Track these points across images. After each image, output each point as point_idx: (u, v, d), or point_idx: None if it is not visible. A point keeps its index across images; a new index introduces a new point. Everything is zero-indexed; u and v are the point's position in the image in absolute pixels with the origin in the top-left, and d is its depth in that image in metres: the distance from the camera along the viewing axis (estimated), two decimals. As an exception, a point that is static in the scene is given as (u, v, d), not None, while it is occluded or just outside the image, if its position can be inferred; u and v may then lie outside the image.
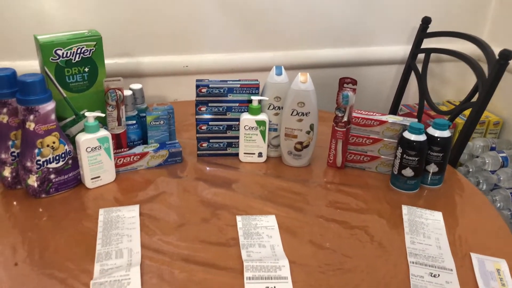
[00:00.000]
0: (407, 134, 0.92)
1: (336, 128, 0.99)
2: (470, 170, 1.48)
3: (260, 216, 0.85)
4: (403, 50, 1.48)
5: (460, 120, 1.48)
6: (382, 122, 0.97)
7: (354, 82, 0.96)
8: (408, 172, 0.93)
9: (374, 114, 0.99)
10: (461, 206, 0.93)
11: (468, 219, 0.89)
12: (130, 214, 0.85)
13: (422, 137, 0.91)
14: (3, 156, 0.87)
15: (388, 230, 0.84)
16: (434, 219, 0.86)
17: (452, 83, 1.66)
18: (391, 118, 0.97)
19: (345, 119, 0.98)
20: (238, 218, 0.84)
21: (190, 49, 1.33)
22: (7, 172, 0.88)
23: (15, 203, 0.88)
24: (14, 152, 0.88)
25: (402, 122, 0.96)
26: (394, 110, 1.47)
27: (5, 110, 0.84)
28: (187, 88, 1.26)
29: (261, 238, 0.80)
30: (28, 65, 1.17)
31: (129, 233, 0.80)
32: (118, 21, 1.24)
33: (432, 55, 1.33)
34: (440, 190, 0.97)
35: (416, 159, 0.91)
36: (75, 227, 0.82)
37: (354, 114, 0.98)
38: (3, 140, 0.86)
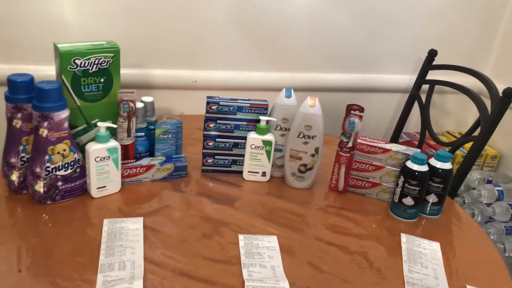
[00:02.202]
0: (410, 164, 0.94)
1: (340, 153, 1.02)
2: (466, 201, 1.50)
3: (262, 236, 0.87)
4: (408, 79, 1.51)
5: (459, 152, 1.51)
6: (386, 150, 0.99)
7: (361, 109, 0.98)
8: (408, 201, 0.95)
9: (379, 141, 1.02)
10: (458, 237, 0.95)
11: (465, 251, 0.90)
12: (134, 226, 0.86)
13: (424, 168, 0.93)
14: (12, 160, 0.88)
15: (387, 257, 0.85)
16: (431, 249, 0.88)
17: (452, 114, 1.69)
18: (395, 147, 0.99)
19: (350, 144, 1.00)
20: (240, 236, 0.86)
21: (200, 64, 1.36)
22: (14, 176, 0.89)
23: (19, 208, 0.89)
24: (24, 157, 0.89)
25: (405, 151, 0.98)
26: (395, 137, 1.50)
27: (19, 115, 0.86)
28: (194, 102, 1.28)
29: (262, 259, 0.81)
30: (45, 70, 1.19)
31: (132, 245, 0.81)
32: (132, 33, 1.27)
33: (435, 86, 1.36)
34: (438, 221, 0.99)
35: (417, 188, 0.93)
36: (79, 235, 0.82)
37: (359, 141, 1.01)
38: (14, 145, 0.88)
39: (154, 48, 1.31)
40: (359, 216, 0.97)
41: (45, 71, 1.13)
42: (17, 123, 0.86)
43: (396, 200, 0.97)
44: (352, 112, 0.99)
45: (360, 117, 0.98)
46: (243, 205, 0.97)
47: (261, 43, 1.38)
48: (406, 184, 0.94)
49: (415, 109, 1.45)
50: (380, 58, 1.50)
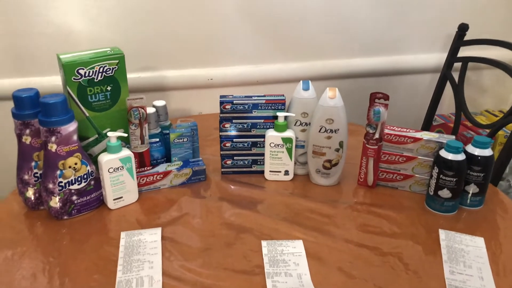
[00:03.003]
0: (443, 153, 0.85)
1: (367, 145, 0.94)
2: (512, 184, 1.39)
3: (287, 241, 0.81)
4: (437, 58, 1.41)
5: (501, 132, 1.39)
6: (416, 140, 0.91)
7: (386, 97, 0.90)
8: (445, 193, 0.87)
9: (408, 130, 0.94)
10: (505, 230, 0.86)
11: (513, 245, 0.82)
12: (152, 238, 0.82)
13: (460, 156, 0.84)
14: (26, 177, 0.86)
15: (424, 258, 0.78)
16: (475, 246, 0.80)
17: (490, 91, 1.57)
18: (426, 135, 0.91)
19: (377, 136, 0.92)
20: (264, 243, 0.81)
21: (214, 62, 1.30)
22: (30, 193, 0.88)
23: (37, 225, 0.87)
24: (37, 173, 0.87)
25: (438, 139, 0.90)
26: (428, 121, 1.40)
27: (28, 131, 0.84)
28: (211, 101, 1.23)
29: (288, 266, 0.75)
30: (53, 81, 1.18)
31: (150, 258, 0.77)
32: (142, 35, 1.23)
33: (469, 63, 1.25)
34: (481, 212, 0.90)
35: (454, 179, 0.85)
36: (97, 251, 0.80)
37: (386, 131, 0.93)
38: (26, 161, 0.86)
39: (166, 48, 1.26)
40: (391, 212, 0.90)
41: (56, 81, 1.11)
42: (27, 139, 0.84)
43: (432, 193, 0.89)
44: (377, 100, 0.91)
45: (386, 105, 0.90)
46: (266, 208, 0.92)
47: (277, 33, 1.31)
48: (441, 175, 0.86)
49: (448, 89, 1.34)
50: (404, 38, 1.39)
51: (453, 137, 0.90)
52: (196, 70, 1.30)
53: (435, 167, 0.87)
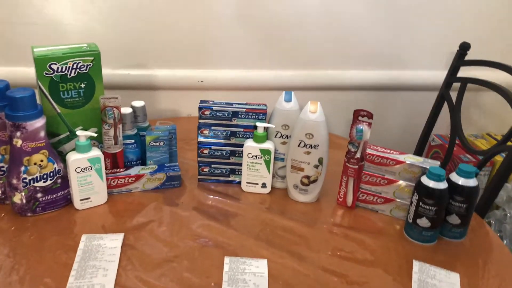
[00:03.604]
0: (425, 180, 0.81)
1: (347, 164, 0.90)
2: (508, 214, 1.33)
3: (251, 259, 0.77)
4: (438, 75, 1.35)
5: (499, 158, 1.33)
6: (399, 162, 0.87)
7: (370, 115, 0.86)
8: (424, 222, 0.82)
9: (392, 152, 0.89)
10: (484, 267, 0.81)
11: (491, 284, 0.76)
12: (112, 244, 0.79)
13: (442, 185, 0.80)
14: (-9, 170, 0.84)
15: (393, 290, 0.74)
16: (449, 282, 0.75)
17: (493, 113, 1.51)
18: (409, 159, 0.86)
19: (358, 155, 0.88)
20: (226, 259, 0.77)
21: (206, 64, 1.27)
22: (-5, 187, 0.86)
23: (0, 218, 0.84)
24: (3, 167, 0.84)
25: (422, 164, 0.85)
26: (423, 141, 1.35)
27: (-5, 124, 0.81)
28: (201, 104, 1.19)
29: (247, 287, 0.72)
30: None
31: (106, 266, 0.74)
32: (134, 32, 1.20)
33: (470, 84, 1.20)
34: (462, 245, 0.85)
35: (434, 208, 0.80)
36: (53, 253, 0.77)
37: (368, 151, 0.89)
38: (-8, 155, 0.84)
39: (158, 47, 1.24)
40: (367, 237, 0.85)
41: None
42: (-7, 132, 0.82)
43: (410, 220, 0.84)
44: (360, 118, 0.87)
45: (369, 124, 0.86)
46: (238, 222, 0.88)
47: (271, 39, 1.27)
48: (421, 203, 0.81)
49: (447, 109, 1.29)
50: (404, 53, 1.34)
51: (438, 163, 0.85)
52: (187, 71, 1.27)
53: (415, 194, 0.82)
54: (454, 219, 0.83)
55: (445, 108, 1.27)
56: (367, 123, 0.86)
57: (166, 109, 1.31)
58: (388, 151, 0.89)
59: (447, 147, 1.22)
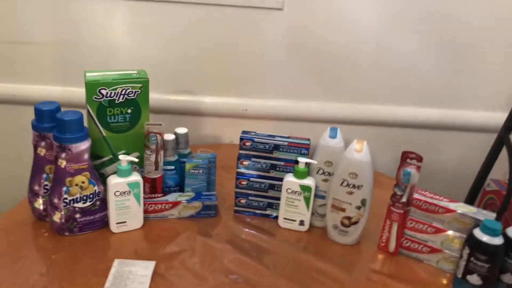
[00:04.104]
0: (478, 233, 0.74)
1: (392, 208, 0.85)
2: None
3: (281, 303, 0.74)
4: (495, 117, 1.27)
5: None
6: (449, 211, 0.80)
7: (419, 158, 0.81)
8: (475, 279, 0.75)
9: (442, 198, 0.83)
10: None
11: None
12: (143, 271, 0.78)
13: (497, 240, 0.73)
14: (36, 187, 0.87)
15: None
16: None
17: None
18: (461, 208, 0.80)
19: (404, 199, 0.83)
20: (256, 300, 0.74)
21: (251, 93, 1.27)
22: (38, 204, 0.88)
23: (39, 235, 0.86)
24: (47, 185, 0.87)
25: (475, 215, 0.78)
26: (478, 185, 1.25)
27: (43, 143, 0.84)
28: (244, 132, 1.19)
29: (275, 333, 0.68)
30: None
31: (135, 294, 0.73)
32: (183, 59, 1.23)
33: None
34: (517, 308, 0.77)
35: (487, 265, 0.73)
36: (85, 276, 0.77)
37: (415, 195, 0.83)
38: (38, 172, 0.86)
39: (207, 75, 1.25)
40: (409, 289, 0.79)
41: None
42: (41, 151, 0.85)
43: (460, 276, 0.77)
44: (408, 161, 0.82)
45: (418, 167, 0.81)
46: (271, 260, 0.85)
47: (321, 71, 1.25)
48: (472, 258, 0.74)
49: (505, 153, 1.20)
50: (461, 91, 1.27)
51: (493, 215, 0.78)
52: (232, 99, 1.27)
53: (466, 247, 0.75)
54: (510, 279, 0.75)
55: (504, 152, 1.18)
56: (416, 166, 0.81)
57: (209, 135, 1.31)
58: (438, 197, 0.83)
59: (504, 195, 1.13)
